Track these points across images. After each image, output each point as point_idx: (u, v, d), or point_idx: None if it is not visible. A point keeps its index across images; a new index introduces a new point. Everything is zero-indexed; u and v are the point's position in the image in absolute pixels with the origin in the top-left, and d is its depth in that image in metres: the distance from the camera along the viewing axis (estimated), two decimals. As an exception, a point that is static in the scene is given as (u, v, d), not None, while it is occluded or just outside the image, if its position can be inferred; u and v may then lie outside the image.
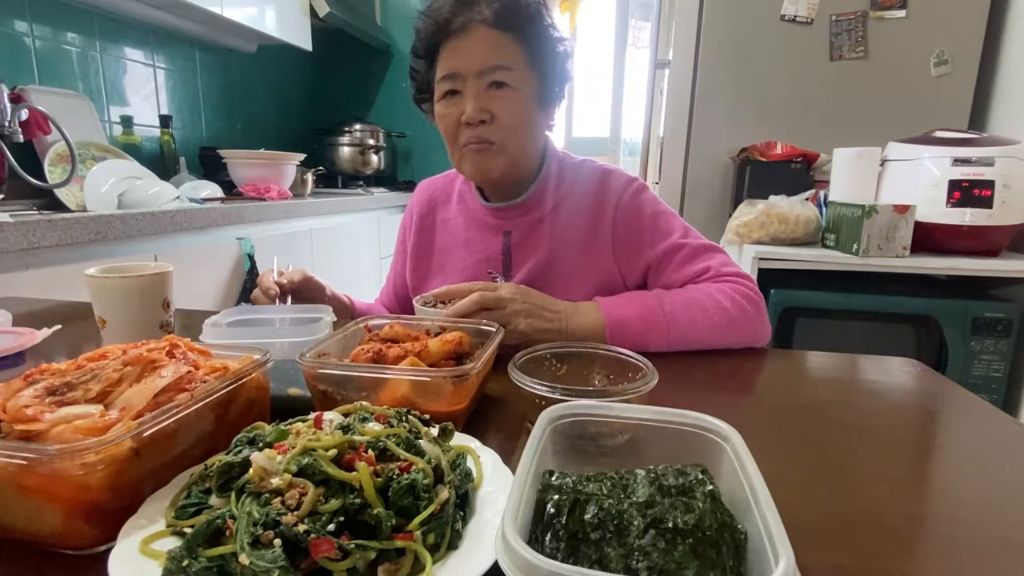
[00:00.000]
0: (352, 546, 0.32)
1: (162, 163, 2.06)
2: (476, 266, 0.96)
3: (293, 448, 0.36)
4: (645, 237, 0.89)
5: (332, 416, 0.40)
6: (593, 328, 0.77)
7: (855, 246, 1.54)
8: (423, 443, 0.39)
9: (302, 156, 2.26)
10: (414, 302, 0.77)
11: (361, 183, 2.92)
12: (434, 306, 0.76)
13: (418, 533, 0.33)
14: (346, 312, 0.98)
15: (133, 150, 1.93)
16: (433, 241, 1.02)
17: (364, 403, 0.44)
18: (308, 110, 3.13)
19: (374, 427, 0.39)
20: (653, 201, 0.92)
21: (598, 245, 0.90)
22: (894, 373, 0.76)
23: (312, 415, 0.40)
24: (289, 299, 0.87)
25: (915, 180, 1.58)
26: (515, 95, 0.83)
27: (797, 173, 1.85)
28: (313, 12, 2.50)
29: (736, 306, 0.80)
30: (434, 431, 0.43)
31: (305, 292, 0.90)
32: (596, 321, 0.77)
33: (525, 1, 0.83)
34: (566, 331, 0.76)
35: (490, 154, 0.85)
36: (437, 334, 0.63)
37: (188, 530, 0.33)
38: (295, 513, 0.32)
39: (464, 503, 0.38)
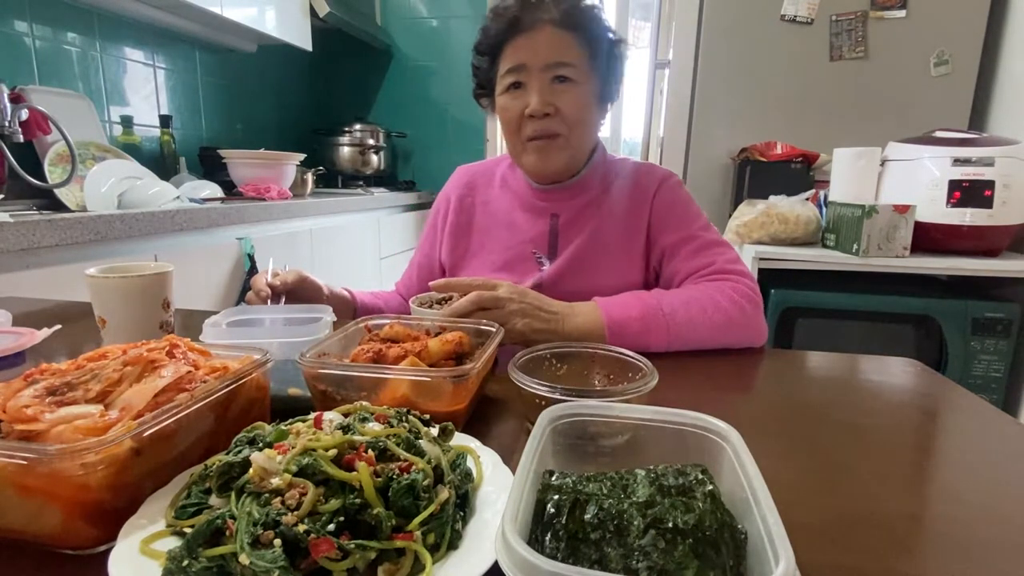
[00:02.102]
0: (352, 546, 0.32)
1: (162, 163, 2.06)
2: (520, 246, 0.99)
3: (293, 448, 0.36)
4: (671, 221, 0.94)
5: (332, 416, 0.40)
6: (591, 329, 0.77)
7: (855, 246, 1.54)
8: (423, 443, 0.39)
9: (302, 156, 2.26)
10: (411, 303, 0.77)
11: (361, 183, 2.92)
12: (430, 307, 0.76)
13: (418, 533, 0.33)
14: (348, 308, 0.98)
15: (133, 150, 1.93)
16: (472, 221, 1.04)
17: (364, 403, 0.44)
18: (308, 110, 3.13)
19: (374, 427, 0.39)
20: (688, 195, 0.98)
21: (637, 225, 0.95)
22: (894, 373, 0.76)
23: (312, 415, 0.40)
24: (283, 300, 0.87)
25: (915, 180, 1.59)
26: (578, 90, 0.88)
27: (797, 173, 1.85)
28: (313, 12, 2.50)
29: (735, 306, 0.81)
30: (434, 431, 0.43)
31: (301, 293, 0.90)
32: (594, 322, 0.77)
33: (588, 4, 0.89)
34: (562, 332, 0.76)
35: (555, 148, 0.91)
36: (437, 334, 0.63)
37: (188, 530, 0.33)
38: (295, 513, 0.32)
39: (464, 503, 0.38)
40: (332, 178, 2.90)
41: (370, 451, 0.36)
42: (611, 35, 0.92)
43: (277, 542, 0.31)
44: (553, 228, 0.98)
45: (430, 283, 0.79)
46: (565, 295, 0.82)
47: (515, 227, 1.00)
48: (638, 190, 0.97)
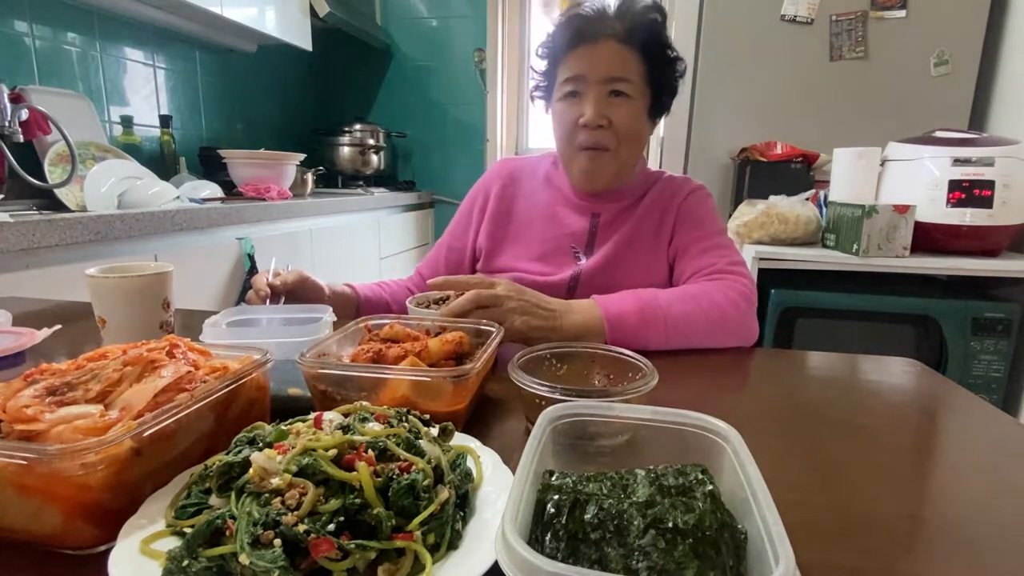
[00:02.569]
0: (352, 546, 0.32)
1: (162, 163, 2.06)
2: (558, 239, 1.02)
3: (293, 448, 0.36)
4: (689, 224, 0.98)
5: (332, 416, 0.40)
6: (589, 325, 0.77)
7: (855, 246, 1.54)
8: (423, 443, 0.39)
9: (302, 156, 2.26)
10: (407, 303, 0.77)
11: (361, 183, 2.92)
12: (427, 307, 0.76)
13: (418, 533, 0.33)
14: (351, 304, 0.99)
15: (133, 150, 1.93)
16: (512, 210, 1.07)
17: (364, 403, 0.44)
18: (308, 110, 3.13)
19: (374, 427, 0.39)
20: (713, 206, 1.03)
21: (665, 227, 0.99)
22: (894, 373, 0.76)
23: (312, 415, 0.40)
24: (282, 300, 0.87)
25: (915, 180, 1.58)
26: (632, 105, 0.92)
27: (797, 173, 1.85)
28: (313, 12, 2.50)
29: (731, 303, 0.82)
30: (434, 431, 0.43)
31: (302, 293, 0.90)
32: (594, 318, 0.77)
33: (651, 23, 0.92)
34: (560, 329, 0.76)
35: (605, 160, 0.94)
36: (437, 334, 0.63)
37: (188, 530, 0.33)
38: (295, 513, 0.32)
39: (464, 503, 0.38)
40: (332, 178, 2.89)
41: (370, 451, 0.36)
42: (671, 52, 0.95)
43: (277, 542, 0.31)
44: (593, 226, 1.01)
45: (428, 281, 0.79)
46: (598, 290, 0.84)
47: (556, 221, 1.03)
48: (670, 196, 1.01)
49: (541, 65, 0.99)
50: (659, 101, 0.97)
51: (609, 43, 0.90)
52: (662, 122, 2.18)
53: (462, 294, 0.74)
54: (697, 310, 0.80)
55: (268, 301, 0.85)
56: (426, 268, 1.13)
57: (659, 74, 0.94)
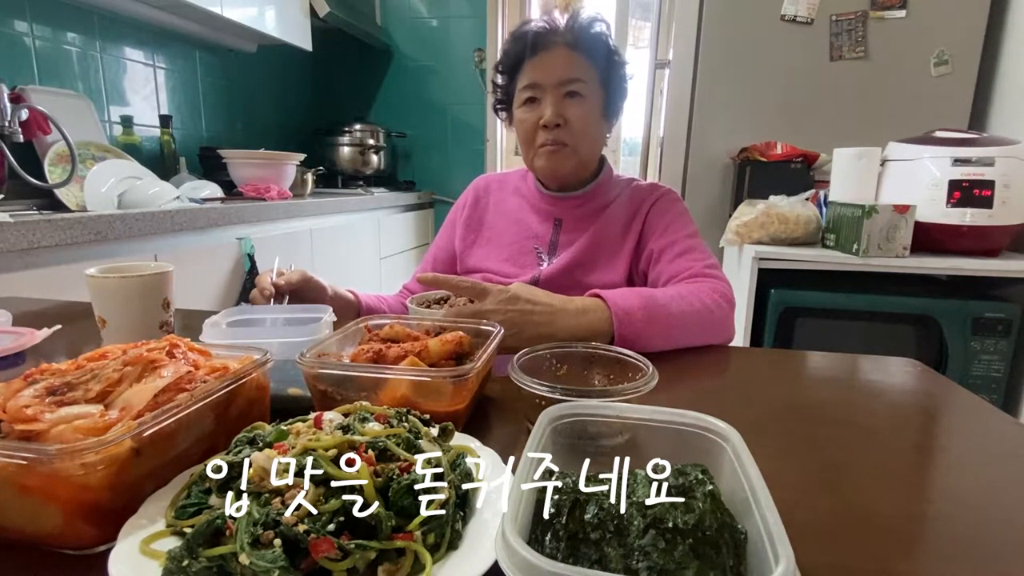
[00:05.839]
0: (352, 546, 0.32)
1: (162, 163, 2.06)
2: (523, 241, 1.08)
3: (293, 448, 0.36)
4: (661, 228, 1.02)
5: (332, 416, 0.40)
6: (592, 323, 0.76)
7: (855, 246, 1.54)
8: (423, 443, 0.39)
9: (302, 156, 2.26)
10: (408, 303, 0.77)
11: (361, 183, 2.92)
12: (428, 307, 0.77)
13: (418, 533, 0.33)
14: (351, 309, 0.99)
15: (133, 150, 1.93)
16: (484, 216, 1.15)
17: (364, 403, 0.44)
18: (308, 110, 3.13)
19: (374, 427, 0.39)
20: (683, 208, 1.07)
21: (632, 231, 1.03)
22: (894, 373, 0.76)
23: (312, 415, 0.40)
24: (286, 299, 0.87)
25: (915, 180, 1.58)
26: (586, 104, 0.98)
27: (797, 173, 1.85)
28: (313, 12, 2.50)
29: (715, 304, 0.85)
30: (434, 431, 0.43)
31: (305, 293, 0.91)
32: (593, 306, 0.77)
33: (598, 31, 0.99)
34: (557, 326, 0.75)
35: (563, 155, 1.00)
36: (437, 334, 0.63)
37: (188, 530, 0.33)
38: (295, 513, 0.32)
39: (464, 503, 0.38)
40: (332, 178, 2.89)
41: (370, 451, 0.36)
42: (616, 58, 1.02)
43: (277, 542, 0.31)
44: (556, 230, 1.07)
45: (418, 277, 0.80)
46: (558, 289, 0.86)
47: (522, 224, 1.09)
48: (639, 202, 1.05)
49: (501, 79, 1.06)
50: (612, 102, 1.03)
51: (561, 50, 0.97)
52: (661, 122, 2.19)
53: (458, 294, 0.76)
54: (690, 311, 0.82)
55: (272, 300, 0.85)
56: (414, 283, 1.14)
57: (609, 77, 1.01)
